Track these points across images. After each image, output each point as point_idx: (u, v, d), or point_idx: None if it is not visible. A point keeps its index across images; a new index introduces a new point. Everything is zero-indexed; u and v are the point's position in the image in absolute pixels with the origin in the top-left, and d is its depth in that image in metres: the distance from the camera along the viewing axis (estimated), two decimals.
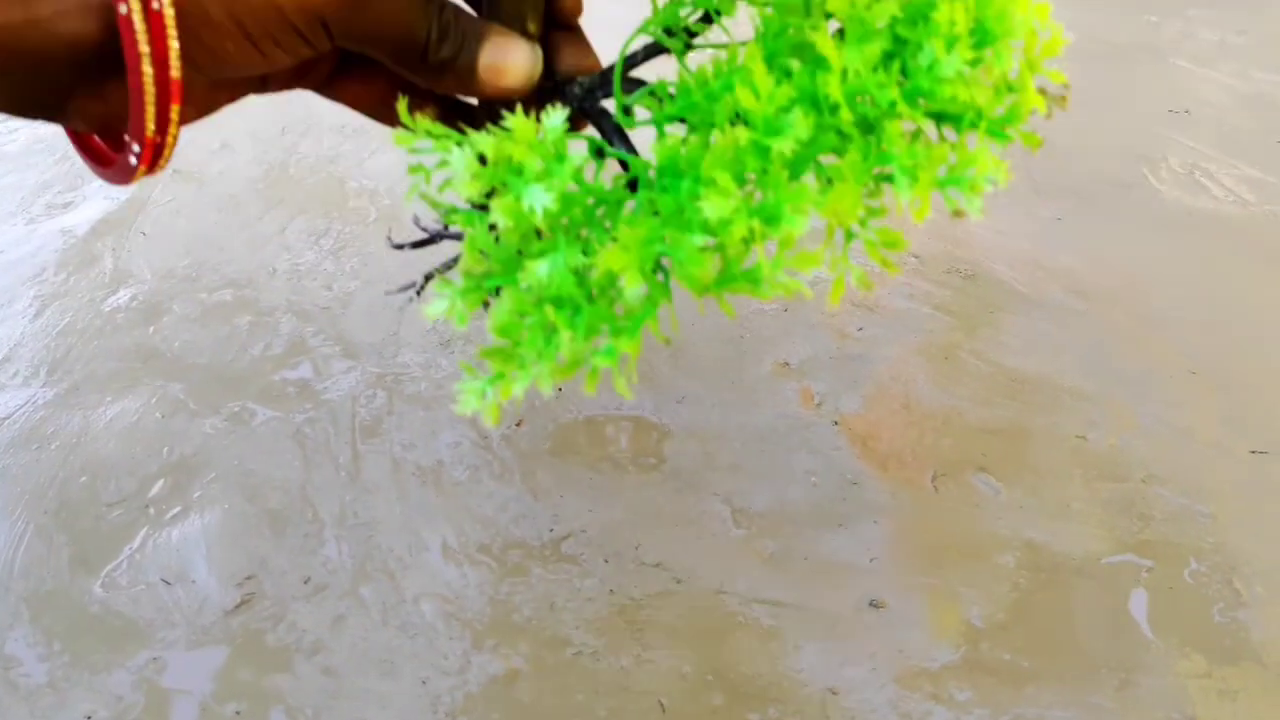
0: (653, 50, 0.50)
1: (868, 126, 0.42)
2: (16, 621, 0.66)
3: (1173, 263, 0.97)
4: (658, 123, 0.47)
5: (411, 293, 0.57)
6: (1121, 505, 0.75)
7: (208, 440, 0.77)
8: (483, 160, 0.41)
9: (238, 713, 0.62)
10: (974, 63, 0.41)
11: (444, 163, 0.43)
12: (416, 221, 0.61)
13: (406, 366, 0.83)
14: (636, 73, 0.51)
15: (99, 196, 0.98)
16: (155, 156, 0.45)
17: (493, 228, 0.43)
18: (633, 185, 0.46)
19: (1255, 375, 0.85)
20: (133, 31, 0.41)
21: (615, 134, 0.51)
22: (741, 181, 0.41)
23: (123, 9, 0.41)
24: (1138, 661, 0.67)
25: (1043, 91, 0.45)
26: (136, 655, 0.65)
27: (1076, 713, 0.64)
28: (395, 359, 0.83)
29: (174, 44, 0.42)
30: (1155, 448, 0.80)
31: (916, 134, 0.42)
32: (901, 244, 0.44)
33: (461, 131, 0.44)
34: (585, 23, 0.55)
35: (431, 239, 0.59)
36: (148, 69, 0.42)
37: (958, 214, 0.42)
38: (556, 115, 0.42)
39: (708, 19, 0.49)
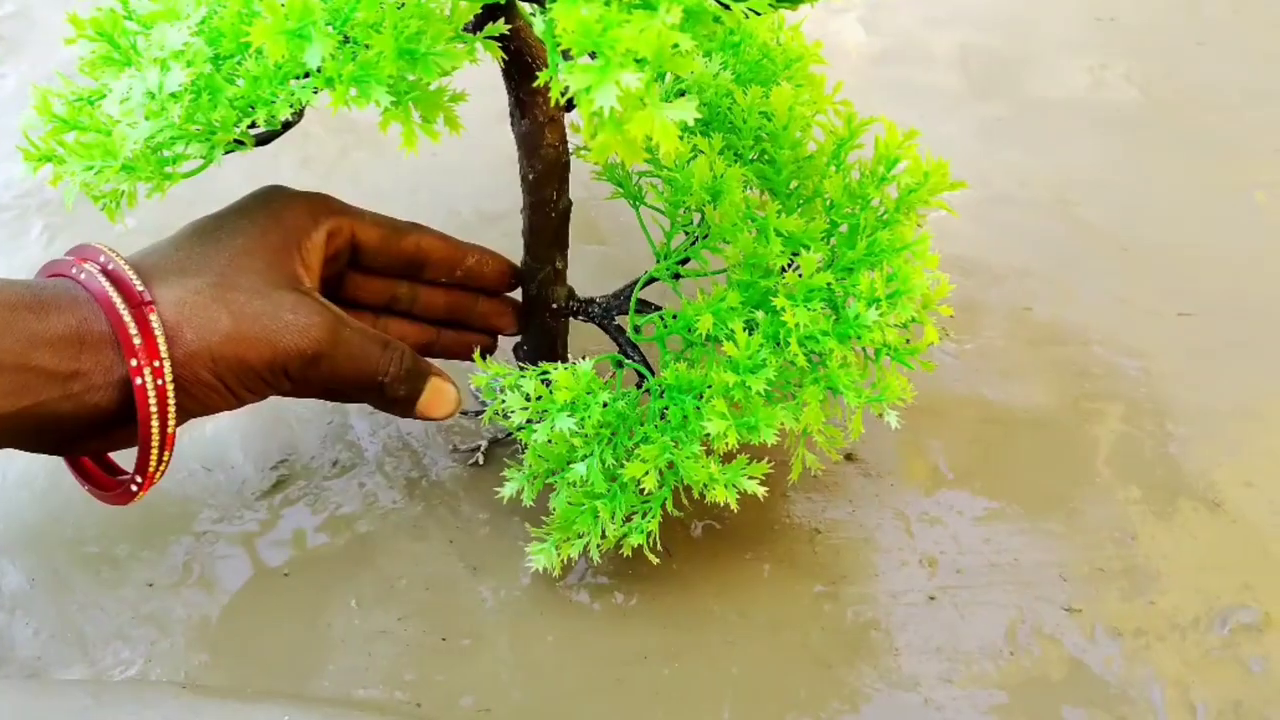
0: (650, 280, 0.69)
1: (815, 355, 0.63)
2: (69, 508, 0.72)
3: (1104, 154, 1.05)
4: (660, 339, 0.66)
5: (479, 455, 0.77)
6: (1064, 365, 0.84)
7: None
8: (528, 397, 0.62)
9: (286, 574, 0.69)
10: (885, 312, 0.61)
11: (489, 394, 0.65)
12: (476, 396, 0.78)
13: None
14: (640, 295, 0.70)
15: None
16: (150, 484, 0.59)
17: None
18: (647, 392, 0.65)
19: (1179, 248, 0.94)
20: (146, 400, 0.54)
21: (630, 347, 0.69)
22: (731, 403, 0.61)
23: (138, 381, 0.54)
24: (1084, 494, 0.75)
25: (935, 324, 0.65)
26: (187, 530, 0.71)
27: (1031, 538, 0.72)
28: None
29: (173, 407, 0.55)
30: (1093, 315, 0.88)
31: (846, 359, 0.63)
32: (842, 441, 0.67)
33: (521, 369, 0.63)
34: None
35: (484, 408, 0.76)
36: (155, 425, 0.55)
37: (880, 415, 0.63)
38: (586, 364, 0.62)
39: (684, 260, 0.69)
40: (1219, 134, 1.07)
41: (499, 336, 0.75)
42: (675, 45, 0.45)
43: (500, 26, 0.57)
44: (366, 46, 0.53)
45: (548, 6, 0.48)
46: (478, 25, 0.58)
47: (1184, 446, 0.78)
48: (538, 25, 0.63)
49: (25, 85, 1.07)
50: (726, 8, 0.49)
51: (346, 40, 0.54)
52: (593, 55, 0.46)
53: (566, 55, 0.47)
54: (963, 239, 0.93)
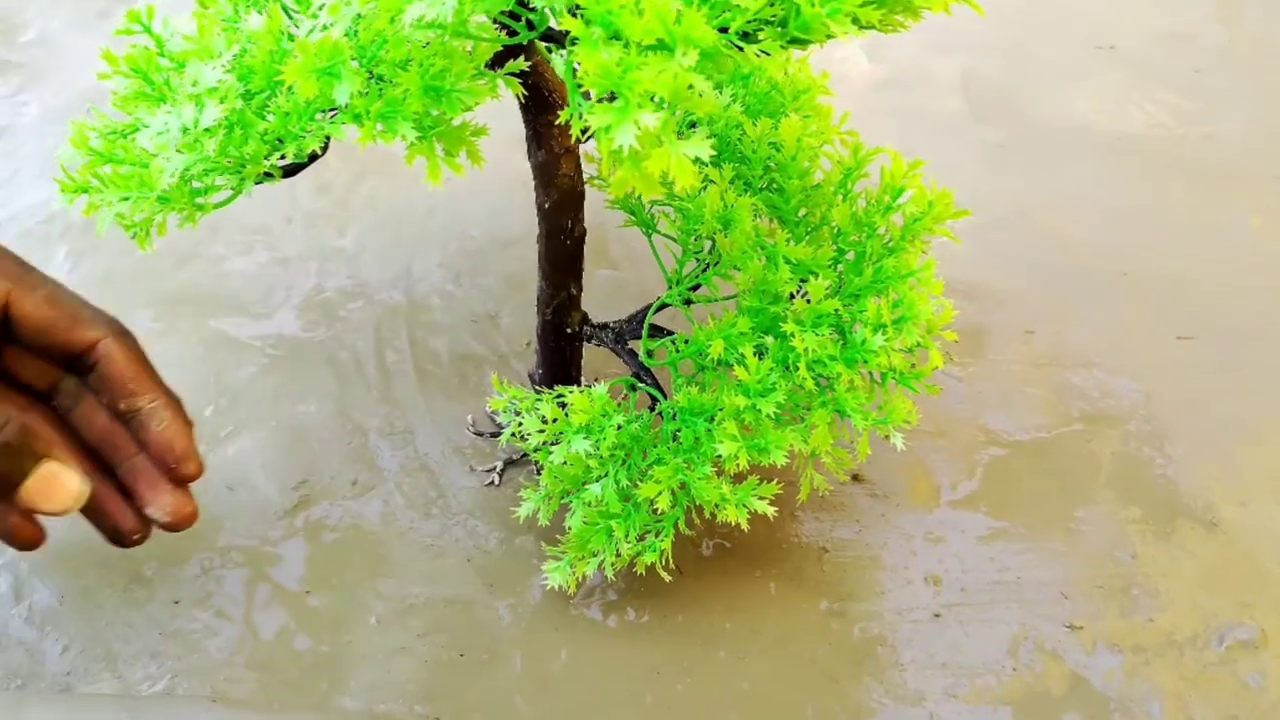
0: (662, 306, 0.71)
1: (824, 379, 0.64)
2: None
3: (1104, 180, 1.07)
4: (672, 363, 0.68)
5: (494, 476, 0.79)
6: (1065, 387, 0.86)
7: (249, 369, 0.85)
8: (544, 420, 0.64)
9: (308, 592, 0.71)
10: (891, 338, 0.63)
11: (505, 415, 0.68)
12: (492, 417, 0.82)
13: (423, 296, 0.91)
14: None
15: None
16: None
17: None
18: (660, 415, 0.66)
19: (1179, 272, 0.96)
20: None
21: (643, 371, 0.70)
22: (742, 426, 0.62)
23: None
24: (1084, 514, 0.77)
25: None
26: (212, 549, 0.73)
27: (1034, 557, 0.74)
28: (411, 291, 0.92)
29: None
30: (1093, 338, 0.90)
31: (853, 382, 0.64)
32: (849, 463, 0.69)
33: (538, 393, 0.65)
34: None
35: (501, 431, 0.79)
36: None
37: (886, 437, 0.65)
38: (601, 387, 0.64)
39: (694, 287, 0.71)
40: (1215, 160, 1.09)
41: (513, 360, 0.76)
42: (691, 86, 0.48)
43: (521, 64, 0.59)
44: (393, 83, 0.56)
45: (569, 49, 0.50)
46: (498, 61, 0.60)
47: (1182, 467, 0.80)
48: (556, 63, 0.65)
49: (48, 112, 1.10)
50: (740, 48, 0.51)
51: (373, 77, 0.56)
52: (612, 95, 0.49)
53: (586, 94, 0.49)
54: (965, 264, 0.95)
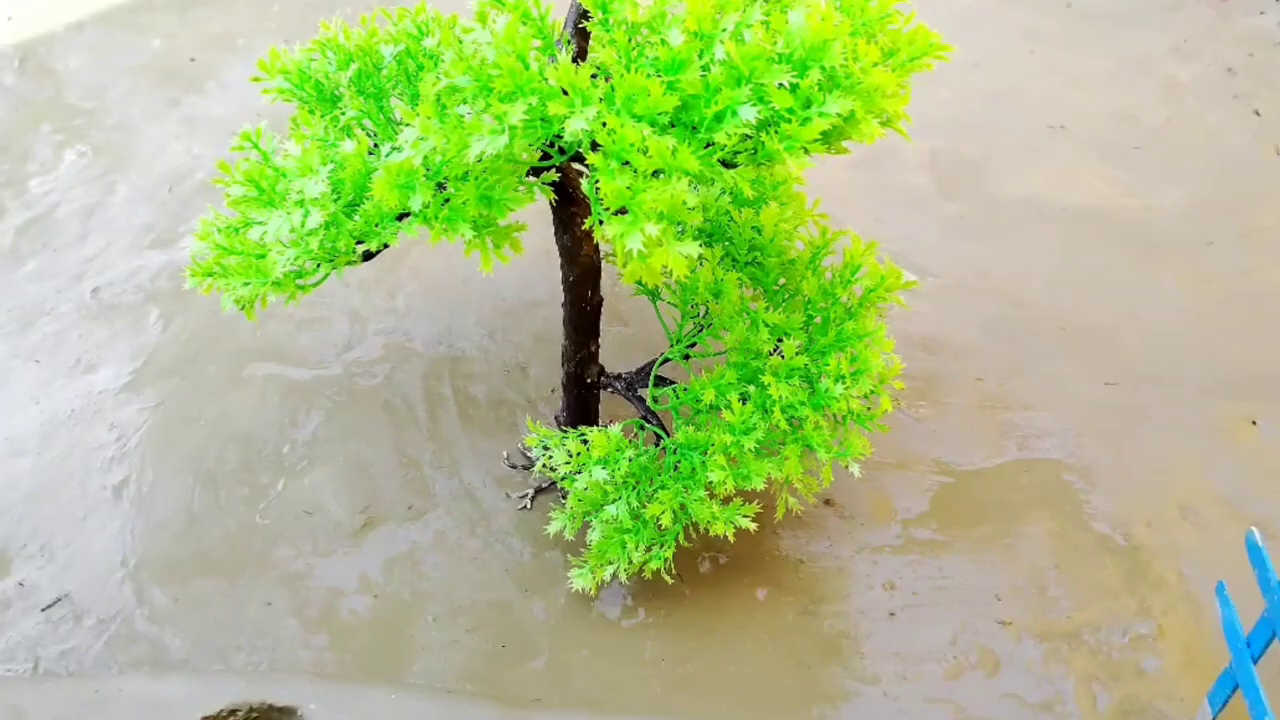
0: (665, 360, 0.87)
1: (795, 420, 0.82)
2: (202, 545, 0.90)
3: (1053, 247, 1.23)
4: (674, 408, 0.85)
5: (527, 501, 0.94)
6: (1008, 427, 1.02)
7: (319, 413, 1.01)
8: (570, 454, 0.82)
9: (376, 597, 0.87)
10: (850, 386, 0.80)
11: (537, 451, 0.86)
12: (525, 452, 0.98)
13: (463, 350, 1.08)
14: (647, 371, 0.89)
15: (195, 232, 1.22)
16: None
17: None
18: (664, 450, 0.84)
19: (1108, 328, 1.12)
20: None
21: (649, 414, 0.88)
22: (729, 458, 0.80)
23: None
24: (1018, 532, 0.93)
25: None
26: (295, 562, 0.89)
27: (973, 567, 0.90)
28: (453, 345, 1.08)
29: None
30: (1034, 385, 1.06)
31: (819, 423, 0.82)
32: (817, 488, 0.87)
33: (564, 432, 0.83)
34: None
35: (532, 464, 0.96)
36: None
37: (846, 466, 0.82)
38: (616, 427, 0.82)
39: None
40: (1150, 229, 1.25)
41: (540, 405, 0.93)
42: (684, 202, 0.64)
43: (552, 175, 0.76)
44: (455, 192, 0.72)
45: (590, 173, 0.67)
46: (534, 171, 0.77)
47: (1102, 494, 0.95)
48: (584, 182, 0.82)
49: (135, 192, 1.27)
50: (722, 171, 0.68)
51: (439, 186, 0.73)
52: (623, 209, 0.65)
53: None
54: (927, 321, 1.11)
